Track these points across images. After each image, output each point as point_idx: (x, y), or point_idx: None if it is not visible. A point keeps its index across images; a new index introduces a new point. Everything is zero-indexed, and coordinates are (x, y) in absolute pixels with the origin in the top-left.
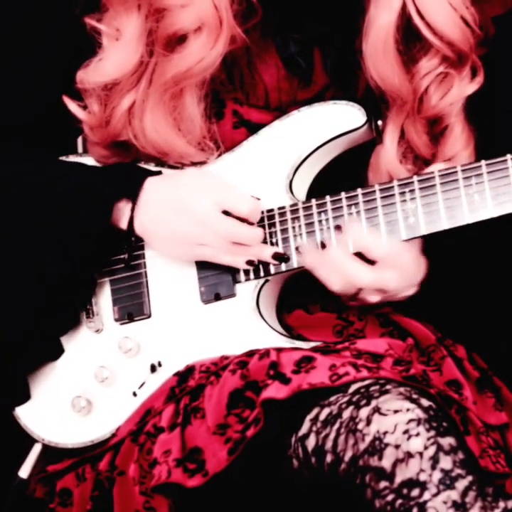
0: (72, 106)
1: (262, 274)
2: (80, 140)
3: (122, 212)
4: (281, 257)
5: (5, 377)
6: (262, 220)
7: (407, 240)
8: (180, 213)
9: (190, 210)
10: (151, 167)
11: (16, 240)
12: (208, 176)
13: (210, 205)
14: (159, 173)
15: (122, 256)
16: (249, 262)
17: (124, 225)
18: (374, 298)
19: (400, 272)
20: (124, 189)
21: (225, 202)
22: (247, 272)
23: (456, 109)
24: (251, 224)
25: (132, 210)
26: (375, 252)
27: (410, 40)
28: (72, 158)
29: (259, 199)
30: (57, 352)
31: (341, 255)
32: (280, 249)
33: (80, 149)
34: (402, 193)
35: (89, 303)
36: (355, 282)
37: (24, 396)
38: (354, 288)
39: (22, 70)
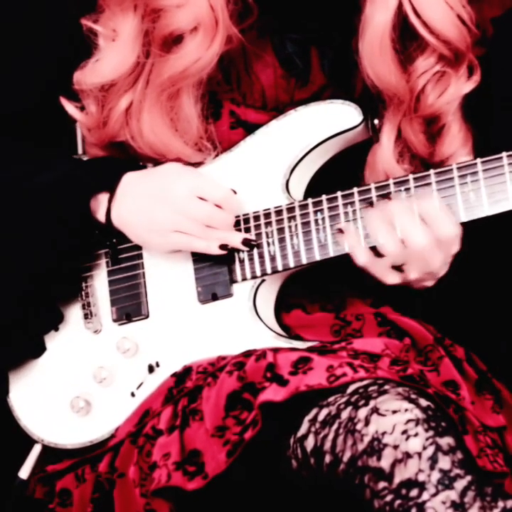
0: (69, 107)
1: (258, 273)
2: (79, 141)
3: (100, 203)
4: (250, 244)
5: None
6: (258, 219)
7: None
8: (156, 201)
9: (166, 197)
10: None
11: (2, 233)
12: (186, 167)
13: (186, 191)
14: (143, 167)
15: (104, 249)
16: (223, 246)
17: (102, 216)
18: (414, 273)
19: (444, 256)
20: (102, 181)
21: (200, 188)
22: (243, 272)
23: (453, 108)
24: None
25: (109, 201)
26: (443, 226)
27: (407, 39)
28: None
29: (235, 192)
30: (39, 349)
31: (404, 211)
32: (251, 236)
33: (80, 150)
34: (398, 192)
35: (83, 301)
36: (412, 241)
37: (2, 390)
38: (402, 251)
39: (18, 71)
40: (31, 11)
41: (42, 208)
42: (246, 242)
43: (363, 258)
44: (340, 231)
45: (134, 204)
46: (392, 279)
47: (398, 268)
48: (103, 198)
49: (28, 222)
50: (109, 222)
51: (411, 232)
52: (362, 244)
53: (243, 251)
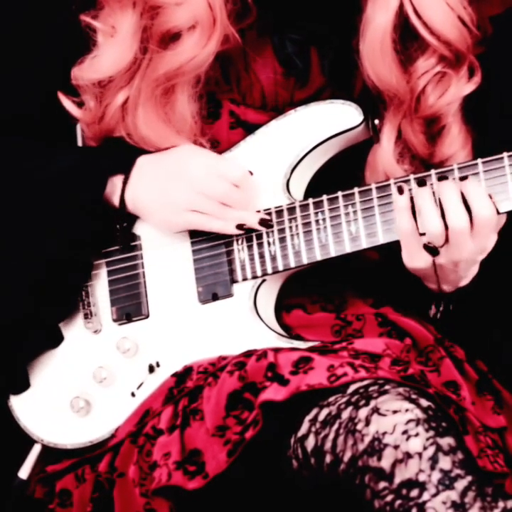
0: (67, 103)
1: (259, 273)
2: (79, 136)
3: (115, 186)
4: (267, 223)
5: (5, 364)
6: None
7: None
8: (172, 180)
9: (183, 176)
10: None
11: (13, 223)
12: (199, 147)
13: (203, 170)
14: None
15: (116, 245)
16: (239, 226)
17: (116, 199)
18: (442, 258)
19: (475, 249)
20: (117, 164)
21: (218, 167)
22: (244, 272)
23: (454, 109)
24: None
25: (124, 183)
26: (483, 207)
27: (407, 39)
28: None
29: (251, 173)
30: (57, 339)
31: (452, 190)
32: (265, 215)
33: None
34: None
35: (83, 301)
36: (454, 219)
37: (23, 384)
38: (442, 232)
39: (17, 67)
40: (31, 7)
41: (57, 194)
42: (263, 221)
43: (406, 224)
44: (400, 190)
45: (149, 184)
46: (419, 261)
47: (430, 250)
48: (118, 180)
49: (44, 210)
50: (123, 204)
51: (455, 211)
52: (409, 208)
53: (260, 231)
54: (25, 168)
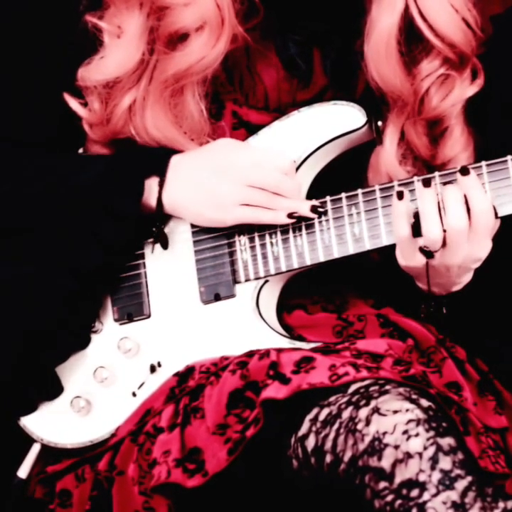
0: (73, 103)
1: (261, 274)
2: None
3: (152, 190)
4: (318, 210)
5: (37, 370)
6: None
7: None
8: (217, 175)
9: (228, 170)
10: None
11: (47, 235)
12: (237, 141)
13: (249, 161)
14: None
15: (149, 240)
16: (291, 215)
17: (153, 202)
18: (436, 260)
19: (468, 253)
20: (151, 166)
21: (264, 157)
22: (246, 273)
23: (457, 111)
24: None
25: (160, 185)
26: (482, 212)
27: (412, 41)
28: None
29: (295, 161)
30: (87, 340)
31: (453, 191)
32: (316, 202)
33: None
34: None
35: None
36: (452, 219)
37: (57, 388)
38: (439, 234)
39: (24, 68)
40: (37, 7)
41: (92, 202)
42: (314, 209)
43: (403, 230)
44: (400, 195)
45: (188, 183)
46: (412, 261)
47: (426, 253)
48: (153, 182)
49: (79, 219)
50: (161, 206)
51: (455, 210)
52: (408, 213)
53: (312, 219)
54: (59, 174)
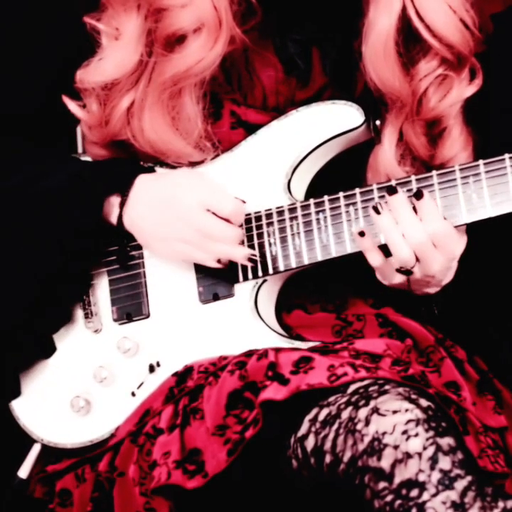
0: (72, 105)
1: (260, 274)
2: (79, 140)
3: (113, 206)
4: (253, 260)
5: None
6: (259, 219)
7: None
8: (165, 209)
9: (175, 206)
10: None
11: (5, 237)
12: (199, 176)
13: (194, 203)
14: (152, 169)
15: (115, 255)
16: (219, 261)
17: (114, 219)
18: (415, 274)
19: (444, 260)
20: (115, 184)
21: (209, 201)
22: (245, 273)
23: (455, 112)
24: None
25: (121, 205)
26: (433, 220)
27: (409, 42)
28: None
29: (244, 202)
30: (49, 349)
31: (404, 205)
32: (256, 252)
33: (79, 149)
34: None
35: (83, 301)
36: (411, 236)
37: (14, 392)
38: (406, 251)
39: (21, 69)
40: (35, 9)
41: (54, 210)
42: (250, 259)
43: (377, 260)
44: (361, 234)
45: (145, 210)
46: (394, 279)
47: (404, 272)
48: (115, 200)
49: (38, 225)
50: (121, 225)
51: (410, 227)
52: (375, 246)
53: (245, 265)
54: (18, 180)
